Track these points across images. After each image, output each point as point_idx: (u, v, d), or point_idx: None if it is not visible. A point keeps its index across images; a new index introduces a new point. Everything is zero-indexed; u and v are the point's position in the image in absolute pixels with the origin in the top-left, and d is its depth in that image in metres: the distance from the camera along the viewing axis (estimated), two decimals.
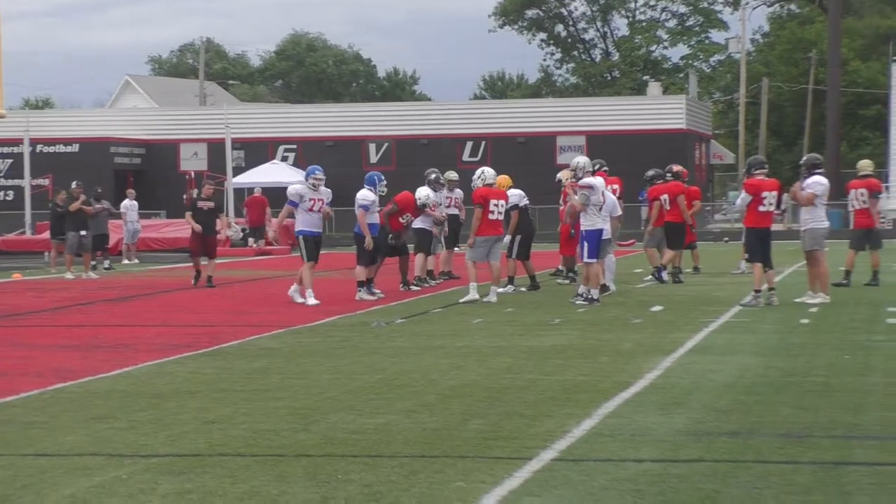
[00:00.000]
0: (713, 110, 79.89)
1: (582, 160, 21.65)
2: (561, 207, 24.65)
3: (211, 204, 26.66)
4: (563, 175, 24.66)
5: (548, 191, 25.08)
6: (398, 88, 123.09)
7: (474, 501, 7.48)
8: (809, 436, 9.27)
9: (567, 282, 24.24)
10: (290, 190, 21.47)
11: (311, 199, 21.23)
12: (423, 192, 24.52)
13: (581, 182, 20.83)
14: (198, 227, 26.00)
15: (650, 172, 26.31)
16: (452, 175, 26.49)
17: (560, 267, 25.96)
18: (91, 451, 9.07)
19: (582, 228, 20.81)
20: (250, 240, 44.48)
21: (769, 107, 75.68)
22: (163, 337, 16.60)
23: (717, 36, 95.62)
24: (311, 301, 20.84)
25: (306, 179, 21.55)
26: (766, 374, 12.42)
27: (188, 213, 26.42)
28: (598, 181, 21.01)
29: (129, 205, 38.58)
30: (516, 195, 23.41)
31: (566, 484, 7.86)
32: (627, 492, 7.65)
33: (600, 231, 20.68)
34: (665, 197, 25.11)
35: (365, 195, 21.90)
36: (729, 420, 9.91)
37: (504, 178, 23.50)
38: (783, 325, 16.81)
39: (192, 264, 26.63)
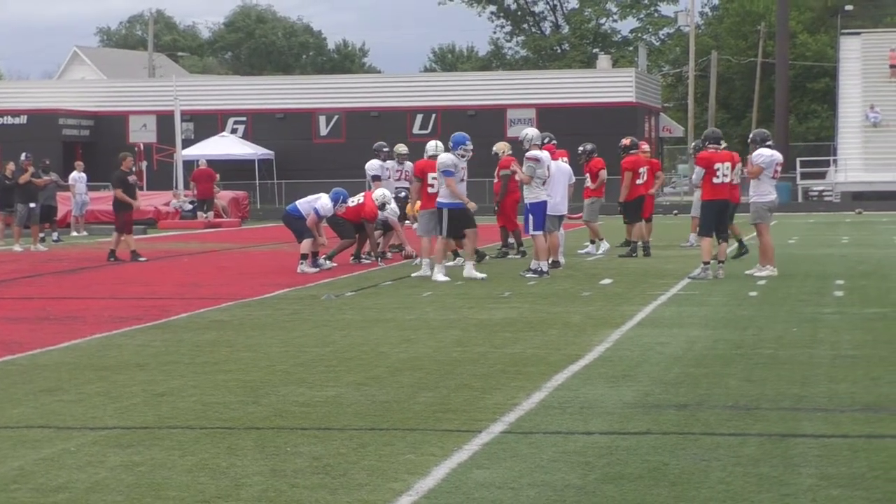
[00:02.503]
0: (662, 83, 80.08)
1: (531, 132, 21.68)
2: (496, 181, 24.72)
3: (135, 177, 26.47)
4: (498, 148, 24.79)
5: (491, 163, 25.06)
6: (348, 61, 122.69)
7: (424, 474, 7.49)
8: (757, 408, 9.34)
9: (519, 256, 24.25)
10: (446, 160, 20.03)
11: (462, 169, 20.43)
12: (380, 193, 24.48)
13: (528, 154, 20.88)
14: (137, 204, 25.87)
15: (588, 146, 26.31)
16: (402, 148, 26.39)
17: (511, 241, 26.05)
18: (39, 423, 9.04)
19: (526, 201, 20.88)
20: (199, 212, 44.28)
21: (718, 80, 75.95)
22: (112, 309, 16.53)
23: (666, 9, 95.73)
24: (441, 277, 19.72)
25: (454, 150, 20.27)
26: (715, 346, 12.49)
27: (119, 190, 25.77)
28: (543, 154, 21.03)
29: (77, 177, 38.36)
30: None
31: (515, 456, 7.89)
32: (576, 464, 7.68)
33: (544, 203, 20.74)
34: (644, 169, 25.17)
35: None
36: (677, 392, 9.96)
37: (503, 144, 24.70)
38: (732, 298, 16.90)
39: (115, 239, 25.96)
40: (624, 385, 10.29)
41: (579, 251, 25.43)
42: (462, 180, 20.13)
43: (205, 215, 43.88)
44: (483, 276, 19.87)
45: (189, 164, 53.41)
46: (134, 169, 26.71)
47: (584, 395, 9.84)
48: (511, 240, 25.00)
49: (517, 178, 21.49)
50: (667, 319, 14.79)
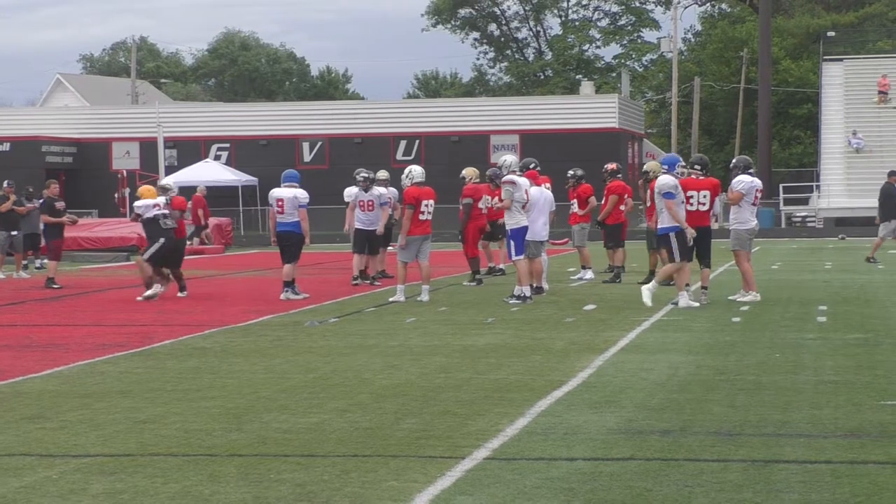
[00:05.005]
0: (646, 109, 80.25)
1: (510, 159, 21.81)
2: (460, 208, 24.80)
3: (63, 203, 26.74)
4: (466, 173, 24.95)
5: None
6: (331, 87, 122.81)
7: (407, 500, 7.48)
8: (740, 434, 9.35)
9: (474, 284, 24.19)
10: (669, 181, 19.12)
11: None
12: (352, 191, 24.59)
13: (504, 178, 21.07)
14: (71, 219, 26.43)
15: (579, 171, 26.34)
16: (382, 174, 26.24)
17: (491, 264, 26.10)
18: (21, 451, 9.01)
19: (507, 227, 20.97)
20: (195, 239, 44.54)
21: (701, 106, 76.14)
22: (94, 336, 16.49)
23: (649, 35, 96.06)
24: (690, 303, 19.14)
25: (671, 171, 19.45)
26: (698, 372, 12.50)
27: (44, 216, 26.33)
28: (521, 179, 21.13)
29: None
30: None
31: (498, 483, 7.88)
32: (560, 490, 7.68)
33: (525, 228, 20.82)
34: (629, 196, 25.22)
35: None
36: (661, 418, 9.97)
37: (471, 171, 24.96)
38: (715, 324, 16.92)
39: (49, 268, 26.07)
40: (607, 411, 10.29)
41: (571, 277, 25.37)
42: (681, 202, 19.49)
43: (189, 242, 43.95)
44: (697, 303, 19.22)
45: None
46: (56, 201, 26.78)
47: (567, 421, 9.84)
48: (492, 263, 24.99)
49: (497, 206, 21.47)
50: (650, 345, 14.80)
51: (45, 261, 29.73)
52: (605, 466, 8.29)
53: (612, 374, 12.46)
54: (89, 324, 18.42)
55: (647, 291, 19.28)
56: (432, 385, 11.85)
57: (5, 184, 30.49)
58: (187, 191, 51.87)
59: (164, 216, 22.34)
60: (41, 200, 27.48)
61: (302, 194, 21.68)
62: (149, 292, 22.06)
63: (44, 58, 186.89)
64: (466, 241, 24.73)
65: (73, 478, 8.15)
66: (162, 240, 22.26)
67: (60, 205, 26.27)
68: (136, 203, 22.90)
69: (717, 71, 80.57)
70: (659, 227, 19.52)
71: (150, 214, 22.35)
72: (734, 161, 21.14)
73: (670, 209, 19.11)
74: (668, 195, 19.10)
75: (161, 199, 22.57)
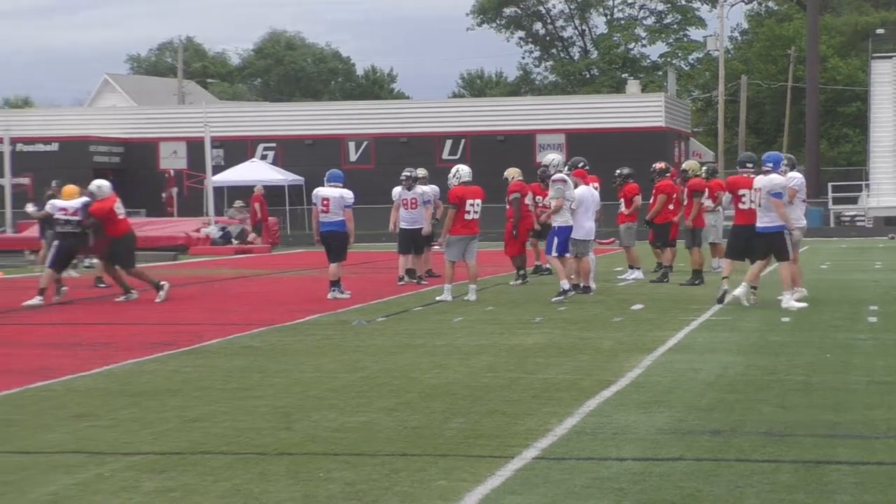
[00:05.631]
0: (692, 108, 79.99)
1: (556, 157, 21.76)
2: (508, 208, 24.70)
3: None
4: (508, 174, 24.91)
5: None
6: (376, 87, 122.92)
7: (456, 500, 7.48)
8: (791, 434, 9.29)
9: (519, 282, 24.18)
10: (780, 181, 18.95)
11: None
12: (397, 190, 24.69)
13: (554, 177, 21.03)
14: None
15: (625, 170, 26.30)
16: (421, 172, 26.08)
17: (538, 263, 26.06)
18: (73, 448, 9.06)
19: (554, 224, 20.94)
20: (252, 235, 45.14)
21: (748, 104, 75.82)
22: (143, 335, 16.57)
23: (695, 34, 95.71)
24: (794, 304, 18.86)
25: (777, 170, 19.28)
26: (748, 372, 12.44)
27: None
28: (569, 178, 21.15)
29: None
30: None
31: (548, 482, 7.87)
32: (609, 490, 7.66)
33: (570, 227, 20.84)
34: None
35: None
36: (710, 418, 9.93)
37: (513, 171, 24.83)
38: (764, 324, 16.83)
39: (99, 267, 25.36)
40: (656, 411, 10.26)
41: (619, 277, 25.30)
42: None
43: (256, 239, 44.77)
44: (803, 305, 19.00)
45: (219, 190, 53.74)
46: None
47: (616, 421, 9.81)
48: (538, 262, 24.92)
49: (553, 205, 21.20)
50: (699, 345, 14.74)
51: (94, 260, 29.90)
52: (654, 466, 8.26)
53: (661, 373, 12.41)
54: (138, 322, 18.51)
55: (787, 298, 19.02)
56: (480, 384, 11.85)
57: (53, 184, 30.70)
58: (239, 191, 52.36)
59: (66, 222, 22.10)
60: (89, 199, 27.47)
61: (348, 194, 21.70)
62: (33, 301, 21.40)
63: (91, 58, 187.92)
64: (508, 240, 24.66)
65: (125, 476, 8.19)
66: (56, 243, 22.28)
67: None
68: (51, 202, 22.86)
69: (763, 69, 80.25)
70: (765, 224, 19.24)
71: (57, 215, 22.30)
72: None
73: (779, 208, 18.86)
74: (776, 195, 18.83)
75: (77, 202, 22.35)
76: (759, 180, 19.08)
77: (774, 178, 19.01)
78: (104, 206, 21.88)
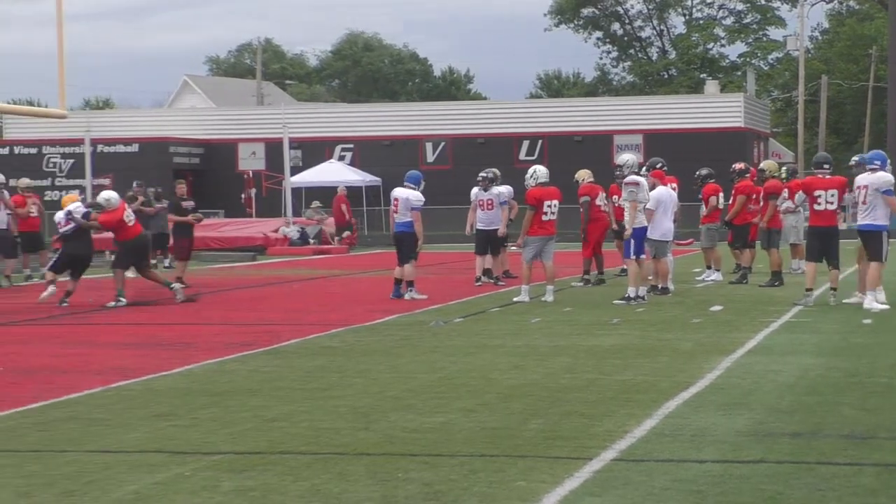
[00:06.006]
0: (771, 108, 79.39)
1: (630, 158, 21.63)
2: (582, 210, 24.62)
3: (191, 203, 26.80)
4: (578, 175, 24.82)
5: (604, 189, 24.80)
6: (453, 87, 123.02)
7: (535, 501, 7.47)
8: (873, 437, 9.20)
9: (581, 284, 24.11)
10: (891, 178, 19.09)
11: None
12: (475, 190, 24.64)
13: (626, 180, 20.87)
14: (196, 217, 26.45)
15: (703, 171, 26.15)
16: (492, 173, 25.79)
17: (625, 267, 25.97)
18: (154, 447, 9.14)
19: (626, 226, 20.85)
20: (346, 233, 45.57)
21: (828, 104, 75.18)
22: (222, 335, 16.69)
23: (774, 33, 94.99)
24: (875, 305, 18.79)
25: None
26: (828, 374, 12.34)
27: (171, 216, 26.58)
28: (641, 179, 21.02)
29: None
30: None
31: (627, 484, 7.84)
32: (689, 492, 7.62)
33: (644, 229, 20.74)
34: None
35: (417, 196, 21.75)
36: (791, 421, 9.85)
37: (584, 172, 24.81)
38: (845, 326, 16.68)
39: (177, 267, 26.08)
40: (736, 413, 10.19)
41: (697, 278, 25.16)
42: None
43: (338, 238, 45.16)
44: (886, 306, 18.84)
45: (297, 192, 54.05)
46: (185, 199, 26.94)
47: (695, 423, 9.76)
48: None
49: (636, 208, 21.00)
50: (779, 347, 14.63)
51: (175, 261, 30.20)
52: (734, 469, 8.21)
53: (740, 375, 12.33)
54: (217, 322, 18.65)
55: (870, 299, 18.84)
56: (558, 385, 11.83)
57: (134, 184, 31.06)
58: (316, 192, 52.60)
59: (70, 222, 22.36)
60: (169, 202, 27.80)
61: (415, 196, 21.75)
62: (44, 293, 22.11)
63: (171, 60, 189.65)
64: (587, 241, 24.59)
65: (205, 475, 8.25)
66: (59, 250, 22.71)
67: (188, 204, 26.53)
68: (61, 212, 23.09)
69: (844, 69, 79.57)
70: (867, 222, 19.00)
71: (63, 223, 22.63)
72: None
73: (893, 205, 18.73)
74: (888, 192, 18.70)
75: (74, 206, 22.69)
76: (865, 178, 18.94)
77: (883, 176, 18.85)
78: (113, 217, 22.17)
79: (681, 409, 10.41)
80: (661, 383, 11.83)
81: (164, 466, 8.51)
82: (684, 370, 12.71)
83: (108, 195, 22.74)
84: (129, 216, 22.46)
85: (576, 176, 25.08)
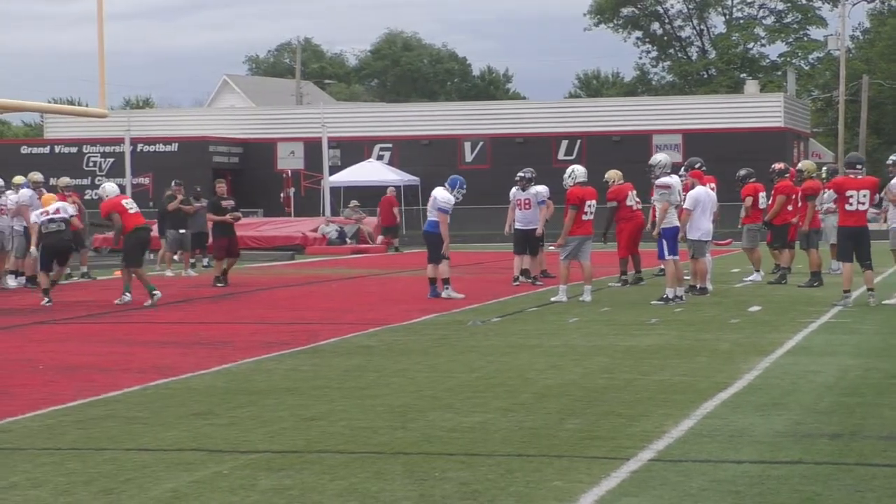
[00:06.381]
0: (812, 108, 78.99)
1: (663, 158, 21.57)
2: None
3: (231, 202, 26.85)
4: (609, 176, 24.74)
5: (644, 189, 24.69)
6: (492, 87, 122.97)
7: (572, 501, 7.46)
8: None
9: (619, 285, 24.04)
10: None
11: None
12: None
13: (658, 182, 20.82)
14: (236, 216, 26.63)
15: (742, 172, 26.03)
16: (528, 173, 25.70)
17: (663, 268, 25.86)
18: (192, 446, 9.17)
19: (660, 226, 20.80)
20: (380, 238, 45.38)
21: (870, 104, 74.72)
22: (260, 334, 16.74)
23: (815, 33, 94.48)
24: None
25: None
26: (868, 375, 12.28)
27: (210, 214, 26.77)
28: (673, 180, 20.98)
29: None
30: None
31: (664, 484, 7.82)
32: (726, 493, 7.59)
33: (676, 228, 20.70)
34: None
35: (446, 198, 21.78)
36: (830, 422, 9.81)
37: (614, 173, 24.79)
38: (885, 326, 16.60)
39: (216, 266, 26.28)
40: (774, 413, 10.15)
41: (743, 278, 25.01)
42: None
43: (386, 240, 45.04)
44: None
45: (335, 191, 54.13)
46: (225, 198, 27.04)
47: (733, 424, 9.73)
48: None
49: (666, 210, 20.96)
50: (817, 347, 14.57)
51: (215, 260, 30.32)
52: (772, 470, 8.18)
53: (779, 376, 12.29)
54: (255, 321, 18.70)
55: None
56: (595, 385, 11.81)
57: (173, 183, 31.17)
58: (355, 191, 52.66)
59: (50, 221, 22.19)
60: (208, 201, 27.91)
61: (442, 197, 21.77)
62: (43, 287, 22.18)
63: (211, 59, 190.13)
64: (620, 242, 24.52)
65: (242, 473, 8.27)
66: (41, 245, 22.53)
67: (228, 203, 26.61)
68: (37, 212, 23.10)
69: (886, 69, 79.04)
70: None
71: (40, 220, 22.56)
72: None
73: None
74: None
75: (55, 206, 22.70)
76: None
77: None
78: (109, 203, 22.21)
79: (719, 410, 10.38)
80: (699, 384, 11.80)
81: (201, 465, 8.54)
82: (722, 370, 12.67)
83: (107, 186, 23.11)
84: (129, 203, 22.53)
85: (606, 175, 25.04)
